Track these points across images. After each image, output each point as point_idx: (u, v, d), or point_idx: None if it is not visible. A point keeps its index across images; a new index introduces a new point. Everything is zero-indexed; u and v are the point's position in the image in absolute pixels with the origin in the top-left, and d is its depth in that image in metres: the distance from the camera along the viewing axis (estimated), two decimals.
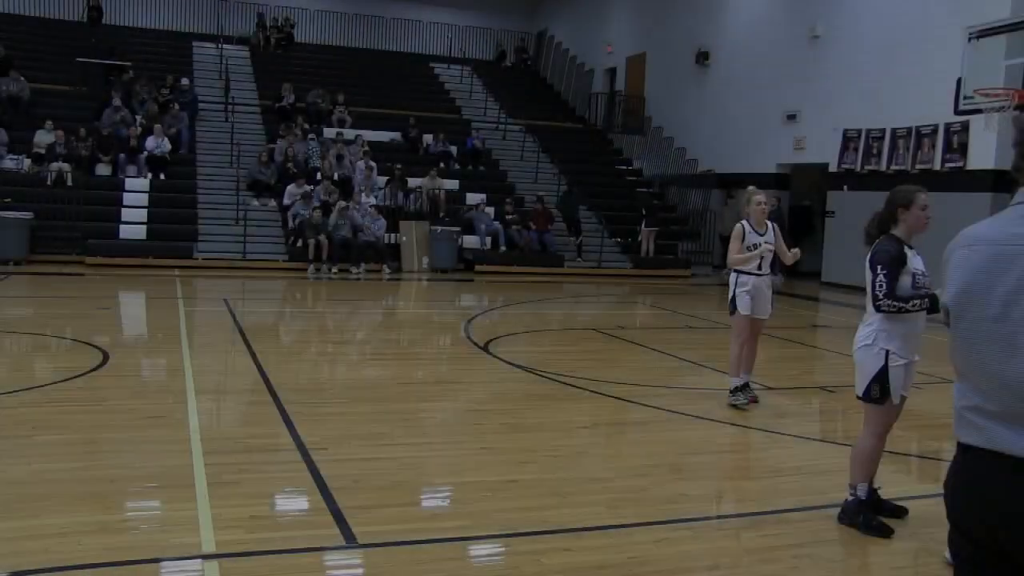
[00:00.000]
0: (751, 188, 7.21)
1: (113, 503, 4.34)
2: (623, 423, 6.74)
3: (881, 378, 4.31)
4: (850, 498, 4.45)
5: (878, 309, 4.27)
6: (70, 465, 4.89)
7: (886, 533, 4.31)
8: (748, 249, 6.89)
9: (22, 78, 19.22)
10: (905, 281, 4.25)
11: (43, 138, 17.61)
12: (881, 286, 4.23)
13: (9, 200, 16.03)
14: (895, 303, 4.21)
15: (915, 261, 4.31)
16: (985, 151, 14.91)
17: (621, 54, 26.64)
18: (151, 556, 3.72)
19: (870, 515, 4.39)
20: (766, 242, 6.91)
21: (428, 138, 21.55)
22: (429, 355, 9.76)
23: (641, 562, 3.91)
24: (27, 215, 15.60)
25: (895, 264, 4.24)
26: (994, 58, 14.03)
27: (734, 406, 6.87)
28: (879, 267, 4.25)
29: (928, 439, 6.39)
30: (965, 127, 15.24)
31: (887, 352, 4.30)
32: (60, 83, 20.63)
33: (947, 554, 3.94)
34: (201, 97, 21.10)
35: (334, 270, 16.45)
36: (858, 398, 4.46)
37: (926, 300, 4.17)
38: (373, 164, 19.21)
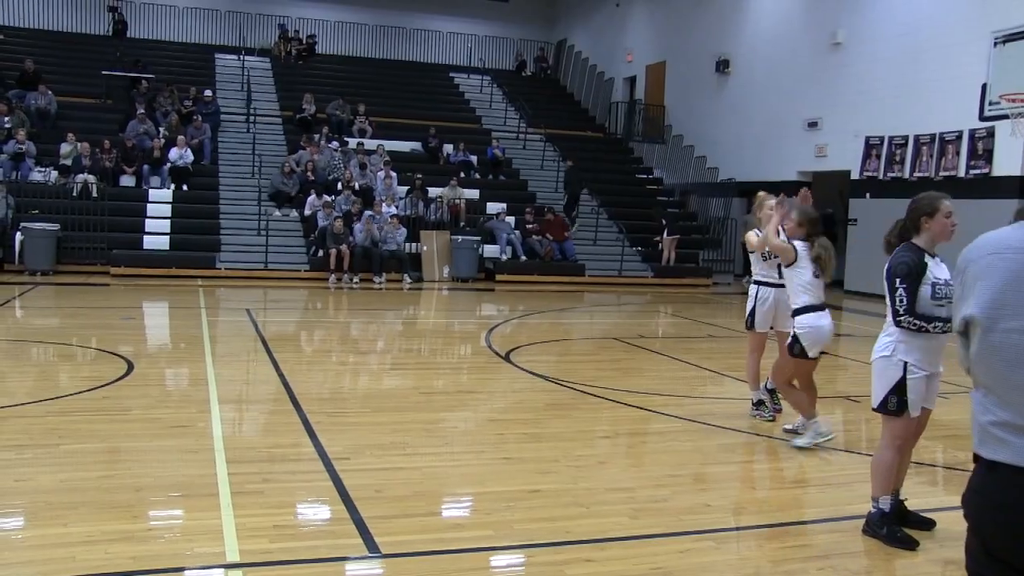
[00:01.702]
0: (762, 193, 7.07)
1: (138, 512, 4.38)
2: (645, 433, 6.71)
3: (899, 389, 4.22)
4: (873, 510, 4.39)
5: (899, 325, 4.17)
6: (96, 474, 4.93)
7: (911, 545, 4.25)
8: (764, 258, 6.76)
9: (50, 92, 19.51)
10: (924, 291, 4.13)
11: (68, 150, 17.85)
12: (902, 301, 4.12)
13: (37, 211, 16.28)
14: (916, 321, 4.11)
15: (938, 270, 4.20)
16: (1011, 157, 14.75)
17: (641, 63, 26.63)
18: (176, 565, 3.75)
19: (895, 527, 4.33)
20: None
21: (448, 148, 21.63)
22: (450, 364, 9.77)
23: (665, 573, 3.89)
24: (54, 227, 15.82)
25: (914, 277, 4.13)
26: (1021, 63, 13.91)
27: (756, 418, 6.82)
28: (898, 280, 4.14)
29: (955, 450, 6.31)
30: (991, 133, 15.09)
31: (905, 364, 4.21)
32: (86, 96, 20.93)
33: None
34: (223, 108, 21.31)
35: (355, 280, 16.53)
36: (873, 410, 4.38)
37: (948, 324, 4.05)
38: (394, 174, 19.31)
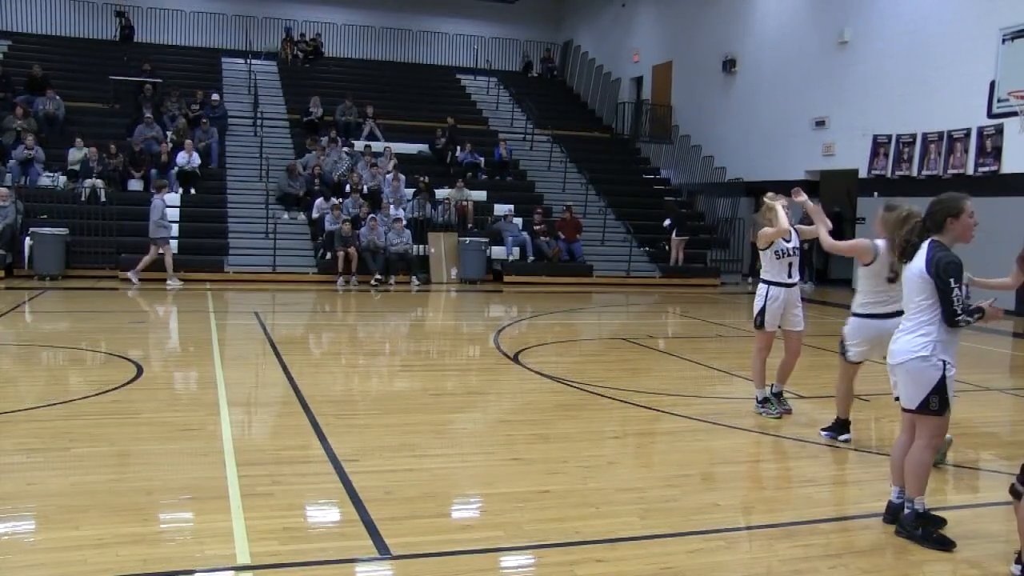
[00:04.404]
0: (770, 194, 7.06)
1: (149, 514, 4.39)
2: (653, 433, 6.70)
3: (940, 389, 4.22)
4: (908, 511, 4.37)
5: (955, 324, 4.15)
6: (106, 477, 4.95)
7: (948, 546, 4.23)
8: (777, 255, 6.76)
9: (58, 97, 19.61)
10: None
11: (76, 155, 17.93)
12: (959, 300, 4.11)
13: (45, 216, 16.35)
14: (968, 318, 4.12)
15: None
16: (1020, 154, 14.70)
17: (647, 63, 26.62)
18: (187, 567, 3.76)
19: (930, 528, 4.31)
20: (793, 247, 6.82)
21: (456, 149, 21.63)
22: (459, 366, 9.78)
23: (675, 573, 3.89)
24: (63, 231, 15.89)
25: (961, 276, 4.14)
26: None
27: (763, 415, 6.82)
28: (952, 280, 4.11)
29: (965, 448, 6.29)
30: (999, 130, 15.04)
31: (944, 363, 4.22)
32: (94, 101, 21.02)
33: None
34: (230, 112, 21.37)
35: (373, 281, 16.59)
36: (909, 411, 4.34)
37: (977, 314, 4.11)
38: (401, 176, 19.33)
